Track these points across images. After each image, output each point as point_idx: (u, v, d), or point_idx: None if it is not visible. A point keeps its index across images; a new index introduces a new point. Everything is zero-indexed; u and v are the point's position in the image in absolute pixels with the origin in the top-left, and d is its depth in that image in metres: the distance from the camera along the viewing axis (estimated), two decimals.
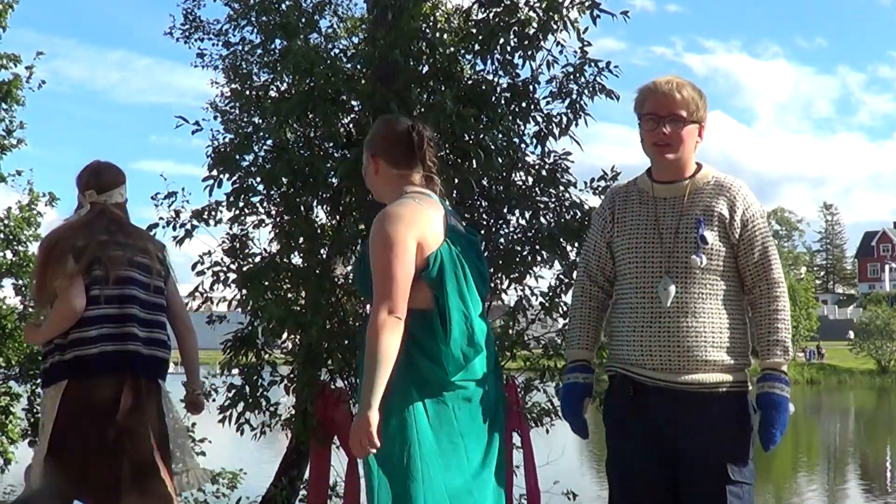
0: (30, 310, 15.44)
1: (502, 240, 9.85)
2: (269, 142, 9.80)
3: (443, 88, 9.37)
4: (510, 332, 9.84)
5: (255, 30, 12.91)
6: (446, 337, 4.61)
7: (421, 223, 4.71)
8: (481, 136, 9.13)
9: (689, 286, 4.60)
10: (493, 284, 9.55)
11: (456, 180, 8.95)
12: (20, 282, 15.56)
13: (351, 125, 9.94)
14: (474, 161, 9.15)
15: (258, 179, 9.57)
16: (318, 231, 9.94)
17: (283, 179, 9.48)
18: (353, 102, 9.93)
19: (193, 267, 9.65)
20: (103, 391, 5.70)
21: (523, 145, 9.97)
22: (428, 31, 9.74)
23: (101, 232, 5.96)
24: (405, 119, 5.45)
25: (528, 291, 10.08)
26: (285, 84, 10.68)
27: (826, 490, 27.31)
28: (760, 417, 4.56)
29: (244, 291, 9.41)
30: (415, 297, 4.63)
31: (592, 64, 9.81)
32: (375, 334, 4.49)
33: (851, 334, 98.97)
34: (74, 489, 5.78)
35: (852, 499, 25.15)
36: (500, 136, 9.39)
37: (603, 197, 5.06)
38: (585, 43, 9.82)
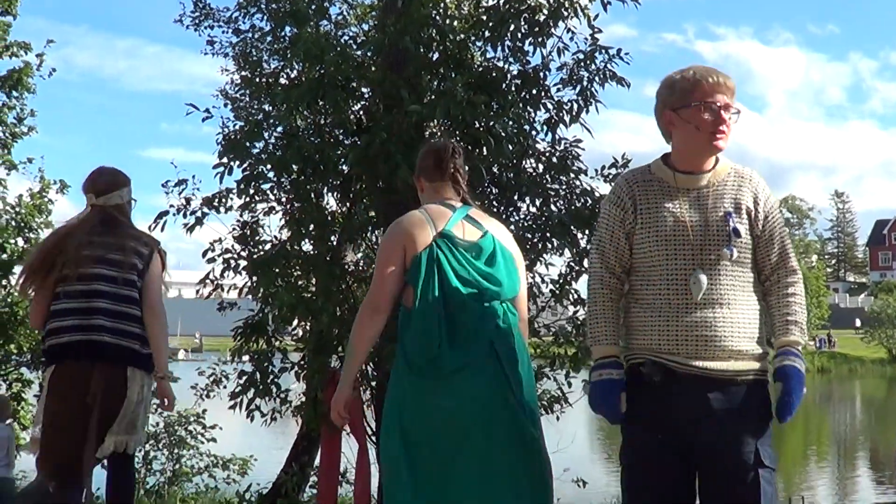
0: None
1: (513, 227, 9.82)
2: (280, 129, 9.81)
3: (453, 75, 9.37)
4: None
5: (266, 17, 12.86)
6: (421, 329, 5.02)
7: (412, 231, 5.17)
8: (491, 123, 9.14)
9: (720, 278, 4.61)
10: None
11: (466, 167, 8.94)
12: None
13: (361, 112, 9.94)
14: (485, 148, 9.16)
15: (268, 166, 9.58)
16: (329, 218, 9.96)
17: (294, 166, 9.50)
18: (364, 89, 9.94)
19: (204, 254, 9.69)
20: (77, 375, 6.25)
21: (534, 132, 9.98)
22: (438, 17, 9.73)
23: (87, 232, 6.53)
24: (441, 141, 6.01)
25: (538, 279, 10.09)
26: (295, 71, 10.68)
27: (836, 479, 27.30)
28: (780, 389, 4.57)
29: (255, 278, 9.44)
30: (405, 296, 5.15)
31: (603, 51, 9.81)
32: (354, 326, 5.25)
33: (858, 322, 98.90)
34: (66, 464, 6.25)
35: (862, 488, 25.10)
36: (511, 123, 9.39)
37: (614, 185, 4.84)
38: (596, 30, 9.84)
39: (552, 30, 9.83)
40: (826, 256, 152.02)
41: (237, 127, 10.38)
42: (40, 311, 6.55)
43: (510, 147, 9.37)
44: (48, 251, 6.62)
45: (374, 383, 9.59)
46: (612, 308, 4.72)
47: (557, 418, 10.29)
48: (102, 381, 6.25)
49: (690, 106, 4.62)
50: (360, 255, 10.90)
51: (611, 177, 10.02)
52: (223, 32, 16.42)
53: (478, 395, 4.96)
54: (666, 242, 4.63)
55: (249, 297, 9.74)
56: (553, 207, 9.88)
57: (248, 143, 9.61)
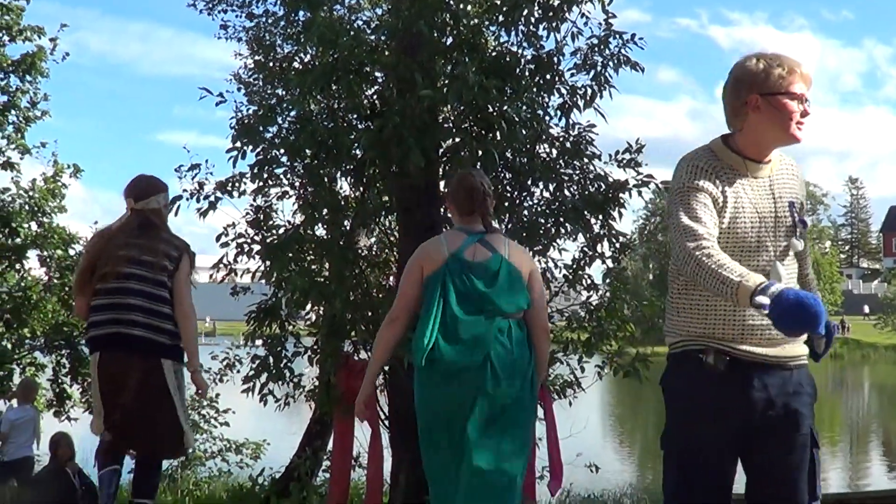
0: (54, 281, 15.54)
1: (526, 212, 9.84)
2: (293, 113, 9.80)
3: (466, 60, 9.32)
4: None
5: (279, 1, 12.85)
6: (427, 334, 5.87)
7: (427, 254, 6.11)
8: (505, 107, 9.12)
9: (786, 267, 4.66)
10: None
11: (479, 152, 8.95)
12: (45, 253, 15.62)
13: (374, 96, 9.93)
14: (498, 133, 9.14)
15: (282, 151, 9.59)
16: (342, 202, 9.96)
17: (307, 151, 9.49)
18: (377, 74, 9.93)
19: (217, 239, 9.70)
20: (116, 364, 7.07)
21: (547, 117, 9.96)
22: (452, 2, 9.70)
23: (125, 234, 7.29)
24: (473, 179, 6.42)
25: (551, 264, 10.09)
26: (309, 55, 10.68)
27: (849, 466, 27.24)
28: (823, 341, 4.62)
29: (268, 263, 9.44)
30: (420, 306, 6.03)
31: (617, 36, 9.80)
32: (379, 329, 6.26)
33: (867, 308, 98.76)
34: (118, 438, 7.15)
35: (874, 475, 25.05)
36: (524, 107, 9.37)
37: (691, 166, 4.58)
38: (610, 14, 9.80)
39: (566, 14, 9.80)
40: (839, 242, 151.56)
41: (250, 111, 10.42)
42: (84, 305, 7.31)
43: (524, 132, 9.35)
44: (93, 254, 7.38)
45: (386, 368, 9.60)
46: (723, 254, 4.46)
47: (570, 403, 10.30)
48: (138, 373, 7.00)
49: (782, 93, 4.56)
50: (373, 239, 10.91)
51: (624, 162, 9.96)
52: (236, 16, 16.44)
53: (466, 397, 5.84)
54: (747, 231, 4.60)
55: (262, 281, 9.74)
56: (566, 192, 9.86)
57: (261, 128, 9.62)
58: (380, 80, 10.02)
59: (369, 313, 9.28)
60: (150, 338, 7.07)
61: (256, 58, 14.28)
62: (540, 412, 7.54)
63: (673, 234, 4.55)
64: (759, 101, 4.55)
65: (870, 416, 44.29)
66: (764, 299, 4.01)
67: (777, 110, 4.54)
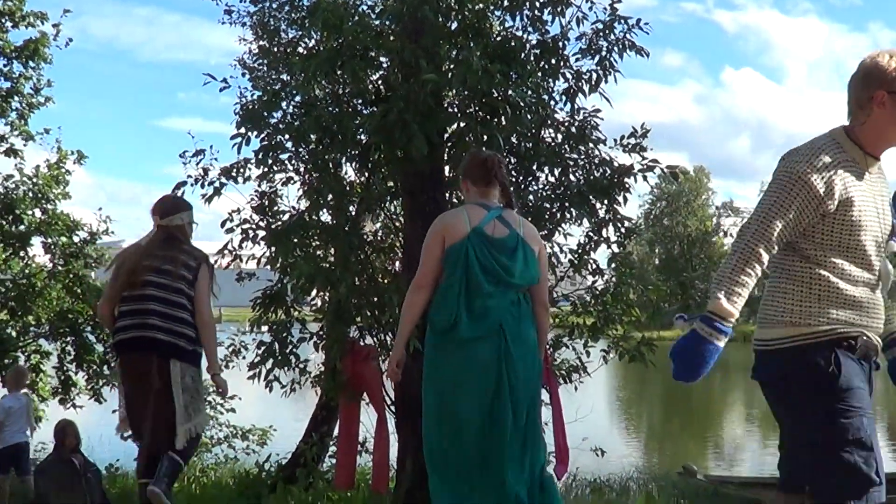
0: (59, 268, 15.53)
1: (531, 197, 9.84)
2: (298, 98, 9.79)
3: (471, 45, 9.30)
4: None
5: None
6: (446, 302, 6.26)
7: (449, 226, 6.39)
8: (510, 92, 9.10)
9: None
10: None
11: (484, 137, 8.93)
12: (49, 240, 15.61)
13: (379, 81, 9.91)
14: (503, 118, 9.14)
15: (286, 136, 9.57)
16: (347, 188, 9.96)
17: (312, 136, 9.49)
18: (382, 59, 9.90)
19: (222, 224, 9.69)
20: (138, 365, 7.63)
21: (552, 102, 9.96)
22: None
23: (150, 247, 7.86)
24: (487, 152, 7.02)
25: (556, 248, 10.08)
26: (313, 40, 10.66)
27: None
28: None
29: (273, 249, 9.44)
30: (442, 277, 6.35)
31: (622, 21, 9.79)
32: (405, 300, 6.47)
33: None
34: (138, 432, 7.77)
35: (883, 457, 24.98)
36: (529, 92, 9.35)
37: (811, 157, 4.42)
38: None
39: None
40: None
41: (255, 97, 10.36)
42: (109, 313, 7.92)
43: (528, 116, 9.36)
44: (121, 266, 7.92)
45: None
46: (753, 283, 4.65)
47: (576, 388, 10.29)
48: (158, 373, 7.53)
49: None
50: (378, 224, 10.90)
51: (629, 146, 9.95)
52: (241, 1, 16.31)
53: (485, 363, 6.19)
54: (866, 225, 4.66)
55: (268, 267, 9.74)
56: (572, 177, 9.86)
57: (265, 113, 9.60)
58: (385, 65, 9.99)
59: (375, 299, 9.28)
60: (168, 340, 7.60)
61: (261, 43, 14.22)
62: (546, 397, 7.55)
63: (758, 213, 4.62)
64: (885, 98, 4.59)
65: (875, 400, 44.18)
66: (699, 325, 4.54)
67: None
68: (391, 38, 9.75)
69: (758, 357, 4.82)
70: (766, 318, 4.76)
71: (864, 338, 4.63)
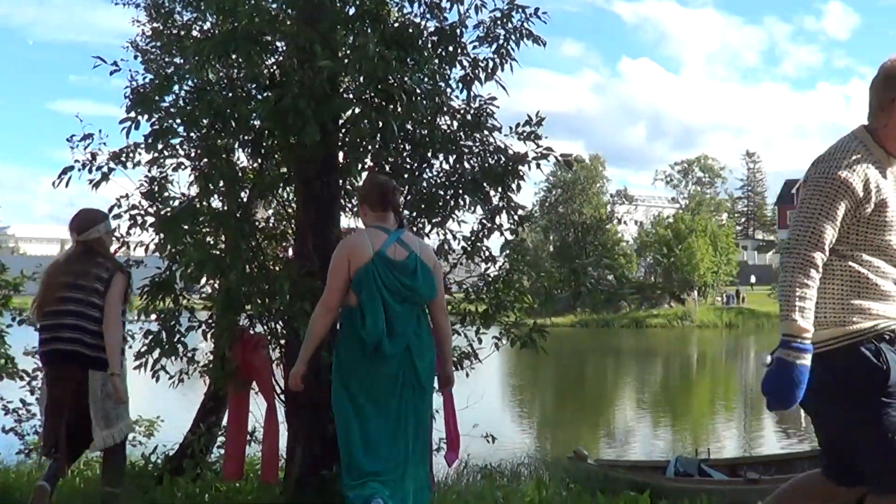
0: None
1: (425, 184, 9.82)
2: (190, 83, 9.62)
3: (368, 30, 9.22)
4: None
5: None
6: (364, 324, 6.80)
7: (354, 250, 6.93)
8: (406, 79, 9.04)
9: None
10: (415, 229, 9.54)
11: (379, 123, 8.87)
12: None
13: (274, 66, 9.78)
14: (398, 104, 9.08)
15: (178, 121, 9.39)
16: (239, 174, 9.82)
17: (204, 121, 9.34)
18: (278, 43, 9.78)
19: (110, 211, 9.44)
20: (55, 376, 8.19)
21: (449, 89, 9.92)
22: None
23: (67, 263, 8.39)
24: (383, 178, 7.68)
25: (450, 236, 10.12)
26: (208, 24, 10.52)
27: (743, 434, 27.71)
28: None
29: (162, 235, 9.29)
30: (349, 298, 6.90)
31: (520, 9, 9.80)
32: (312, 318, 7.01)
33: (753, 279, 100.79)
34: (50, 444, 8.22)
35: (768, 442, 25.52)
36: (426, 79, 9.31)
37: (846, 160, 4.72)
38: None
39: None
40: (736, 215, 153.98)
41: (147, 80, 10.18)
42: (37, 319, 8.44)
43: (424, 103, 9.32)
44: (42, 283, 8.47)
45: (283, 342, 9.52)
46: (815, 290, 4.70)
47: (467, 375, 10.30)
48: (73, 383, 8.07)
49: None
50: (270, 211, 10.78)
51: (525, 134, 9.97)
52: None
53: (397, 376, 6.90)
54: (892, 224, 4.79)
55: (157, 254, 9.58)
56: (466, 165, 9.87)
57: (157, 97, 9.42)
58: (280, 50, 9.87)
59: (265, 286, 9.16)
60: (83, 352, 8.05)
61: (154, 25, 14.01)
62: (436, 383, 7.59)
63: (801, 220, 4.73)
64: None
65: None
66: (786, 352, 4.58)
67: None
68: (287, 22, 9.63)
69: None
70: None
71: None
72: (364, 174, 9.38)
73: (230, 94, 9.47)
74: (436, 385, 7.55)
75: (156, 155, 9.56)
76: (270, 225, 10.40)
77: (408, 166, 9.75)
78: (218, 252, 9.23)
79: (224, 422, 10.88)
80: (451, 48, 9.84)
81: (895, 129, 4.75)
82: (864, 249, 4.75)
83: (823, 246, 4.64)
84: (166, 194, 9.60)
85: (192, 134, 9.57)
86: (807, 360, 4.59)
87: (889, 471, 4.75)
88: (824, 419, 5.07)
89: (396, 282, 6.93)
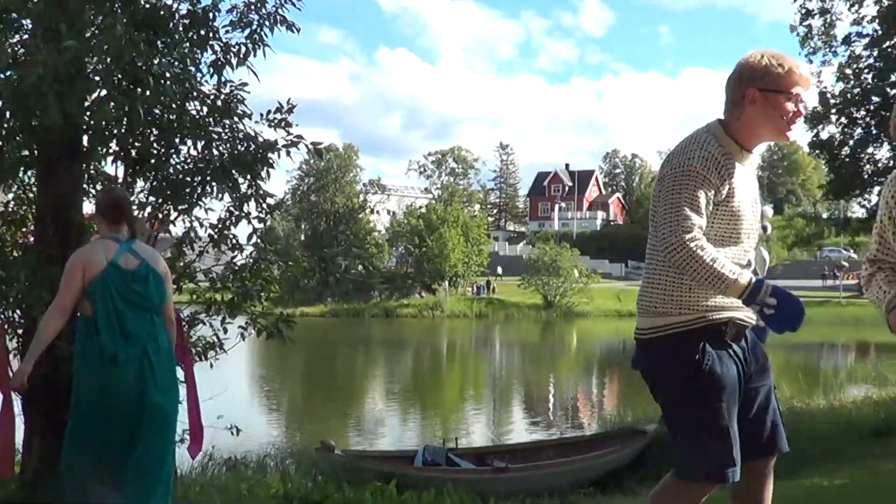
0: None
1: (172, 170, 9.69)
2: None
3: (118, 11, 9.02)
4: (178, 264, 9.72)
5: None
6: (98, 332, 6.90)
7: (88, 260, 7.00)
8: (154, 62, 8.91)
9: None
10: (160, 216, 9.42)
11: (126, 107, 8.70)
12: None
13: (18, 45, 9.48)
14: (146, 88, 8.93)
15: None
16: None
17: None
18: (24, 21, 9.47)
19: None
20: None
21: (199, 74, 9.82)
22: None
23: None
24: (117, 192, 7.79)
25: (196, 224, 10.00)
26: None
27: (492, 422, 28.20)
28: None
29: None
30: (83, 305, 6.95)
31: None
32: (44, 320, 7.02)
33: (500, 269, 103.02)
34: None
35: (516, 431, 26.04)
36: (176, 63, 9.19)
37: (703, 151, 4.82)
38: None
39: None
40: (488, 206, 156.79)
41: None
42: None
43: (174, 87, 9.18)
44: None
45: (20, 331, 9.26)
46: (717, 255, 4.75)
47: (212, 365, 10.21)
48: None
49: (780, 92, 4.82)
50: (10, 195, 10.46)
51: (275, 122, 9.96)
52: None
53: (134, 381, 6.95)
54: (742, 217, 4.89)
55: None
56: (215, 151, 9.78)
57: None
58: (27, 29, 9.58)
59: (3, 273, 8.90)
60: None
61: None
62: (180, 374, 7.55)
63: (666, 216, 4.75)
64: (756, 96, 4.83)
65: (512, 374, 46.01)
66: (772, 300, 4.61)
67: (771, 107, 4.84)
68: (35, 1, 9.35)
69: (636, 345, 5.03)
70: (642, 308, 4.98)
71: (737, 321, 4.88)
72: (109, 159, 9.23)
73: None
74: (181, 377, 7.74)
75: None
76: (9, 209, 10.10)
77: (154, 151, 9.60)
78: None
79: None
80: (202, 32, 9.74)
81: (746, 124, 4.91)
82: (711, 240, 4.83)
83: (694, 227, 4.69)
84: None
85: None
86: (771, 283, 4.73)
87: (688, 460, 4.93)
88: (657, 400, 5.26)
89: (129, 289, 7.08)
